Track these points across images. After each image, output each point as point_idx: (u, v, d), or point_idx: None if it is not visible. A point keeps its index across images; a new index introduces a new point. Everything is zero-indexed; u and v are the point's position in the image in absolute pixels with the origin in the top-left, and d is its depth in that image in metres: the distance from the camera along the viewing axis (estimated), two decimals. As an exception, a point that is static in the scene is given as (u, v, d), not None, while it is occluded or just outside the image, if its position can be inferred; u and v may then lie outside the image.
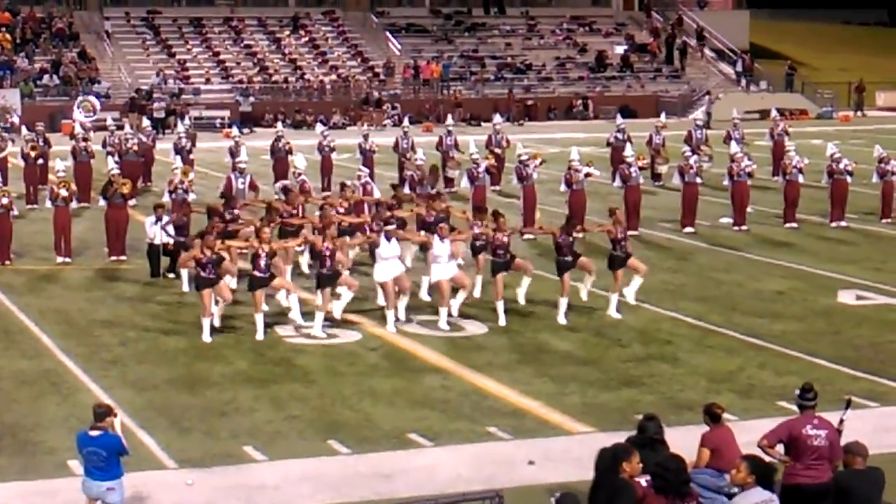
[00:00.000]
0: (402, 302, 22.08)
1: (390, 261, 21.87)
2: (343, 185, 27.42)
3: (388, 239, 21.93)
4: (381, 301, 22.62)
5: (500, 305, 22.19)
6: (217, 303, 21.49)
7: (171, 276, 25.36)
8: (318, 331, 21.27)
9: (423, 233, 23.90)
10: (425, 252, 23.53)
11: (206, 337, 20.97)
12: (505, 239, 22.44)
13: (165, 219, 25.48)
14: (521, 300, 22.68)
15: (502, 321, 22.01)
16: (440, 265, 22.09)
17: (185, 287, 24.29)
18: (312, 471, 15.20)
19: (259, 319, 21.19)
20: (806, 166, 32.84)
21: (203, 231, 22.50)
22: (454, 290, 22.30)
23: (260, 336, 21.02)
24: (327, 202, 25.76)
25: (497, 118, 41.70)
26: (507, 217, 23.49)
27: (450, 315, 22.01)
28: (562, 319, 22.07)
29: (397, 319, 21.82)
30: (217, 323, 21.35)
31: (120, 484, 12.72)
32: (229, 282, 22.75)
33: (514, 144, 36.41)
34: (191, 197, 28.17)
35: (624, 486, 10.76)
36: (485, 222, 23.48)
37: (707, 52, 71.13)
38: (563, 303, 22.22)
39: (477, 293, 23.53)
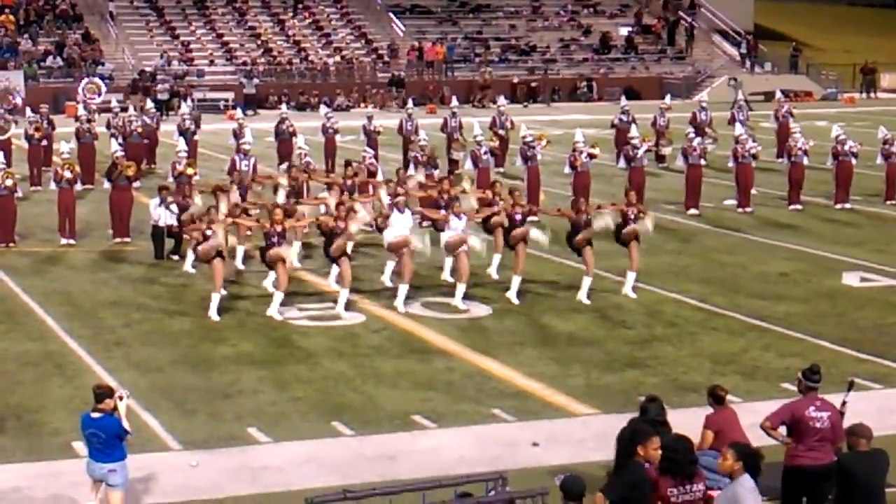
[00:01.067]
0: (403, 290, 21.89)
1: (402, 229, 21.91)
2: (347, 164, 27.42)
3: (402, 210, 21.94)
4: (385, 280, 22.72)
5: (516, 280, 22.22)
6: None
7: (175, 258, 25.37)
8: (342, 309, 21.36)
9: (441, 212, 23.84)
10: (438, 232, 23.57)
11: (215, 315, 21.10)
12: (518, 216, 22.41)
13: (158, 203, 25.45)
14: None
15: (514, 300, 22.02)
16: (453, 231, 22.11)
17: (188, 267, 24.37)
18: (316, 452, 15.22)
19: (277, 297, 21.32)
20: (811, 148, 32.81)
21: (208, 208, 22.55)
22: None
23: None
24: (333, 182, 25.81)
25: (501, 99, 41.63)
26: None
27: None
28: (583, 299, 22.11)
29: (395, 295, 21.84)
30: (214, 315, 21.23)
31: (122, 466, 12.69)
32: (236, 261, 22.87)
33: (518, 126, 36.37)
34: (196, 178, 28.22)
35: (631, 464, 10.65)
36: (501, 197, 23.49)
37: (701, 25, 70.74)
38: (587, 282, 22.25)
39: (494, 273, 23.58)
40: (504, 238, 22.76)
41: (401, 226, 21.92)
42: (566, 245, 22.70)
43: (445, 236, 22.30)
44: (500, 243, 23.40)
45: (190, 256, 24.30)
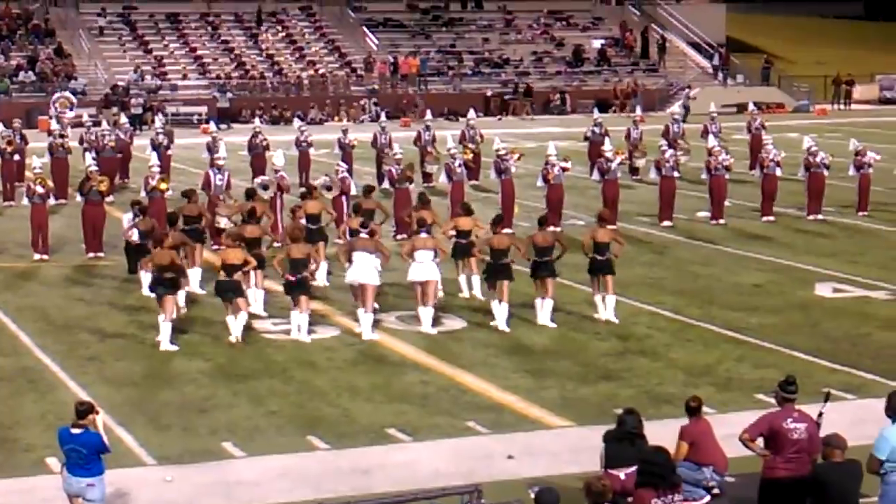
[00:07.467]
0: (367, 319, 21.28)
1: (363, 257, 21.54)
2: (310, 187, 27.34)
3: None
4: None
5: (495, 306, 21.89)
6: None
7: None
8: (295, 334, 21.10)
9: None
10: None
11: (165, 344, 20.44)
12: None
13: (131, 217, 25.03)
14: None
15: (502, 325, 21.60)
16: (420, 265, 21.78)
17: (145, 290, 24.12)
18: (291, 466, 15.19)
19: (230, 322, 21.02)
20: (783, 159, 32.92)
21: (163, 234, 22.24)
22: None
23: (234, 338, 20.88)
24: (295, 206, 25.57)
25: (471, 113, 41.68)
26: (482, 213, 23.39)
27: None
28: (610, 315, 21.92)
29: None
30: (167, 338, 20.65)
31: (101, 481, 12.70)
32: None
33: (490, 139, 36.39)
34: (168, 193, 28.14)
35: None
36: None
37: (674, 37, 70.93)
38: (600, 301, 22.15)
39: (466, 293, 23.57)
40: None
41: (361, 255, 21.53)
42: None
43: (414, 275, 21.59)
44: (474, 266, 23.33)
45: (144, 278, 24.05)
